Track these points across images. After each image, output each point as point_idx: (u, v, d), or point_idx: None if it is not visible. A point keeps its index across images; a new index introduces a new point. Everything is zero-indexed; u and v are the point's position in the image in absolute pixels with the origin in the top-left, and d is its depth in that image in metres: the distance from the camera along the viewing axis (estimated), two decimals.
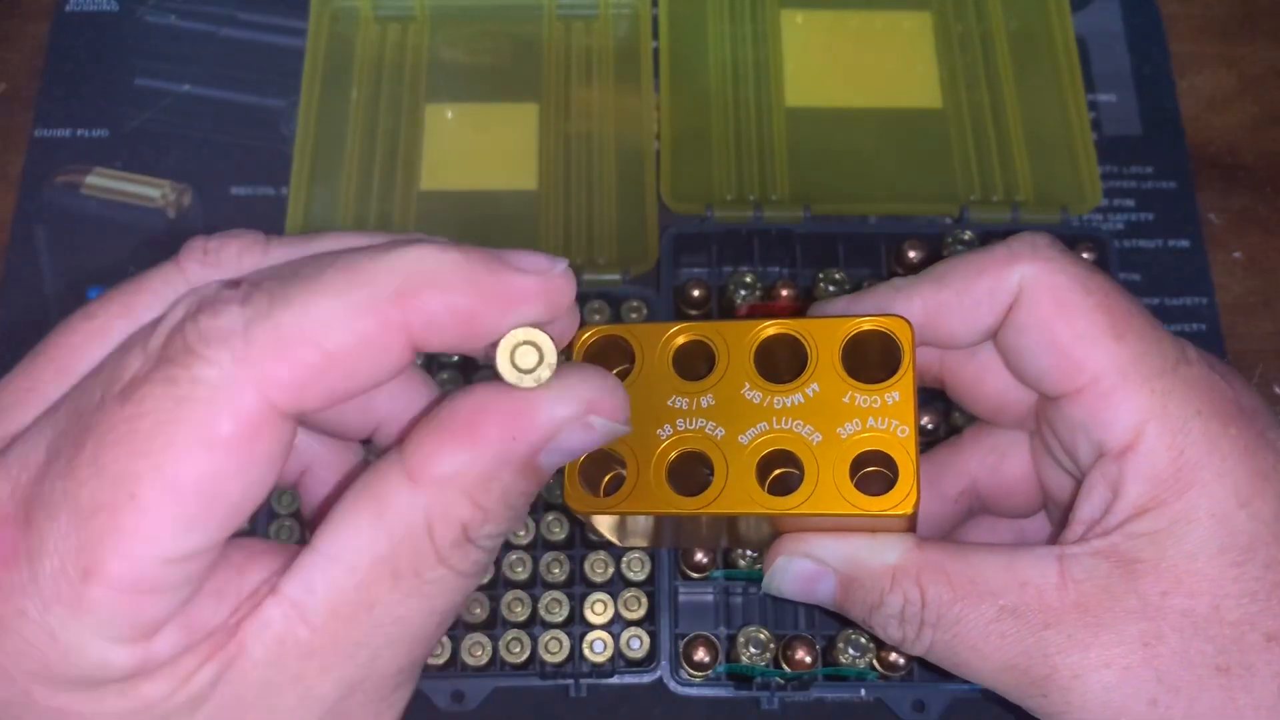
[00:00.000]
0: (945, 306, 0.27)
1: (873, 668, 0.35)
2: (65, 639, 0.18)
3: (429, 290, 0.19)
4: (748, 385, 0.25)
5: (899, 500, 0.24)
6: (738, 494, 0.24)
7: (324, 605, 0.20)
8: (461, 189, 0.44)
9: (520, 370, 0.20)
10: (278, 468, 0.19)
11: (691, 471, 0.25)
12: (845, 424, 0.24)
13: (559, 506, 0.38)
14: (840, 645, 0.35)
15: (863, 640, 0.35)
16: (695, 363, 0.26)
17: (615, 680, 0.36)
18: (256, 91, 0.45)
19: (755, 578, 0.36)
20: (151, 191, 0.43)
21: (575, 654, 0.36)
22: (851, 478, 0.24)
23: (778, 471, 0.25)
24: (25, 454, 0.19)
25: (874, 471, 0.24)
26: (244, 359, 0.18)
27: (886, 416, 0.24)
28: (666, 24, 0.46)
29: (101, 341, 0.20)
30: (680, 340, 0.26)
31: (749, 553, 0.36)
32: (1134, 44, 0.47)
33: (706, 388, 0.25)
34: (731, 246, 0.42)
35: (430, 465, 0.20)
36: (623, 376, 0.26)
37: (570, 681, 0.36)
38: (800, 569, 0.26)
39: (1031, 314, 0.26)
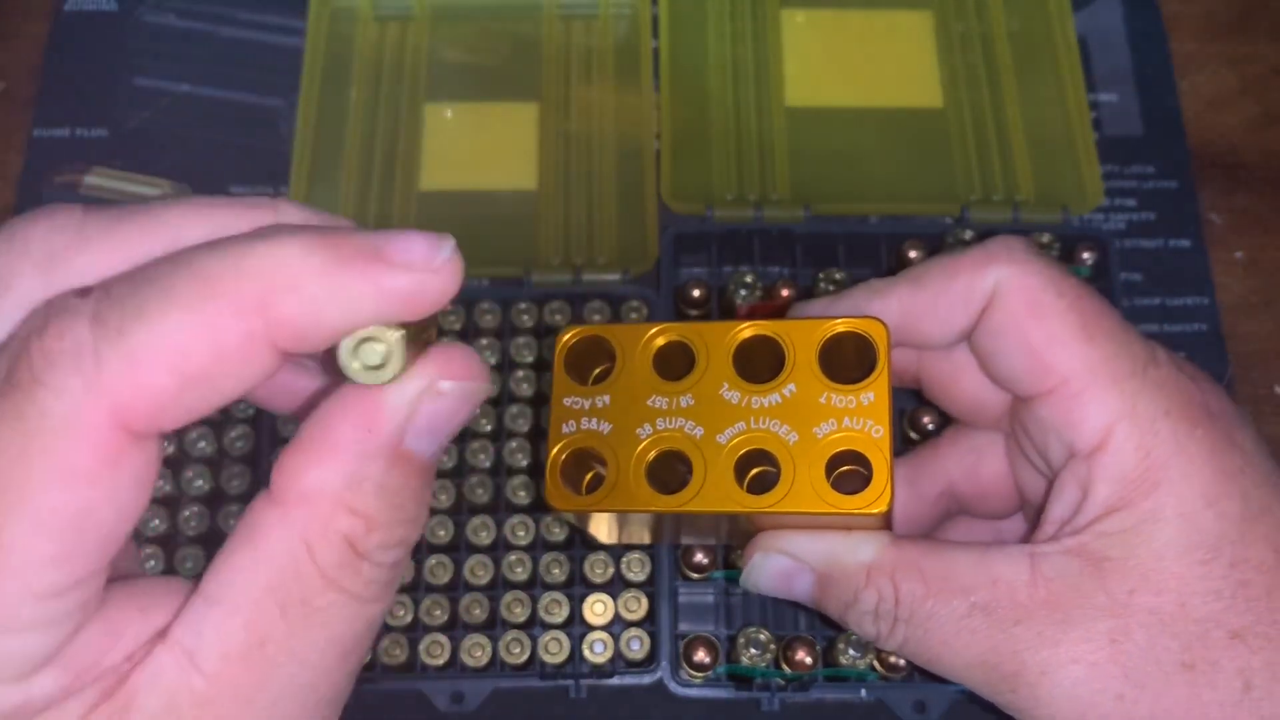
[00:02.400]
0: (921, 308, 0.28)
1: (873, 669, 0.35)
2: None
3: (291, 297, 0.17)
4: (726, 385, 0.25)
5: (873, 499, 0.24)
6: (716, 492, 0.25)
7: (213, 650, 0.18)
8: (461, 189, 0.44)
9: (368, 368, 0.19)
10: (147, 486, 0.18)
11: (671, 470, 0.26)
12: (821, 424, 0.25)
13: None
14: (840, 646, 0.35)
15: (863, 641, 0.35)
16: (675, 363, 0.26)
17: (615, 681, 0.36)
18: (256, 91, 0.45)
19: None
20: (150, 191, 0.43)
21: (575, 655, 0.36)
22: (827, 477, 0.24)
23: (756, 470, 0.26)
24: None
25: (850, 470, 0.25)
26: (95, 384, 0.17)
27: (862, 417, 0.25)
28: (666, 24, 0.46)
29: None
30: (660, 341, 0.26)
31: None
32: (1135, 43, 0.47)
33: (686, 388, 0.26)
34: (732, 246, 0.42)
35: (293, 484, 0.19)
36: (604, 376, 0.26)
37: (570, 682, 0.36)
38: (777, 565, 0.27)
39: (1005, 316, 0.26)
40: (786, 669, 0.35)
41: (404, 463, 0.19)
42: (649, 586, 0.37)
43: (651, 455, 0.25)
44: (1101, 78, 0.47)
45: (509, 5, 0.47)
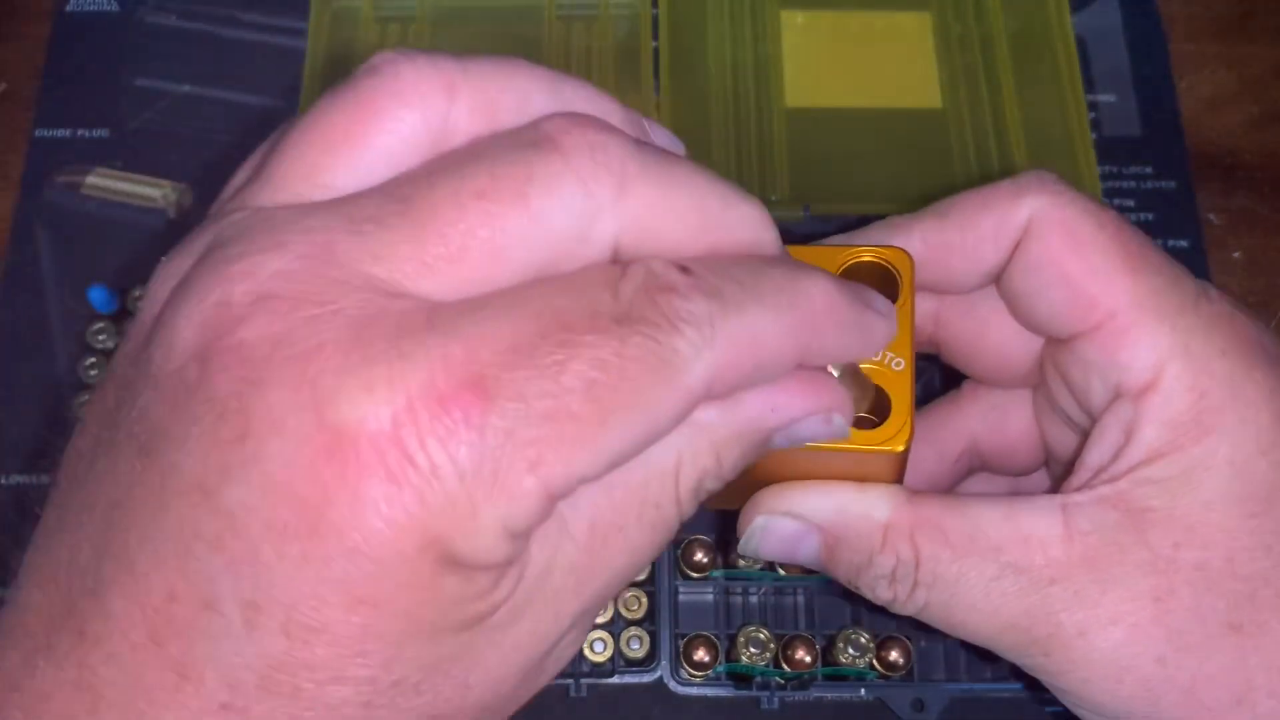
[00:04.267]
0: (948, 244, 0.26)
1: (872, 667, 0.35)
2: (480, 517, 0.17)
3: (829, 325, 0.20)
4: None
5: (890, 435, 0.22)
6: None
7: (584, 520, 0.19)
8: None
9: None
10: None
11: None
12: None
13: None
14: (840, 645, 0.35)
15: (863, 640, 0.35)
16: None
17: (615, 680, 0.36)
18: (257, 92, 0.45)
19: (755, 577, 0.36)
20: (152, 191, 0.43)
21: (575, 654, 0.36)
22: None
23: None
24: (488, 330, 0.17)
25: (863, 418, 0.23)
26: (709, 345, 0.18)
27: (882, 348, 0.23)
28: (666, 24, 0.46)
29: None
30: None
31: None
32: (1134, 44, 0.47)
33: None
34: None
35: (712, 404, 0.20)
36: None
37: (570, 681, 0.36)
38: (781, 529, 0.25)
39: (1042, 249, 0.24)
40: (786, 668, 0.35)
41: (764, 447, 0.21)
42: (649, 586, 0.37)
43: None
44: (1100, 78, 0.47)
45: (509, 6, 0.47)
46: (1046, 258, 0.24)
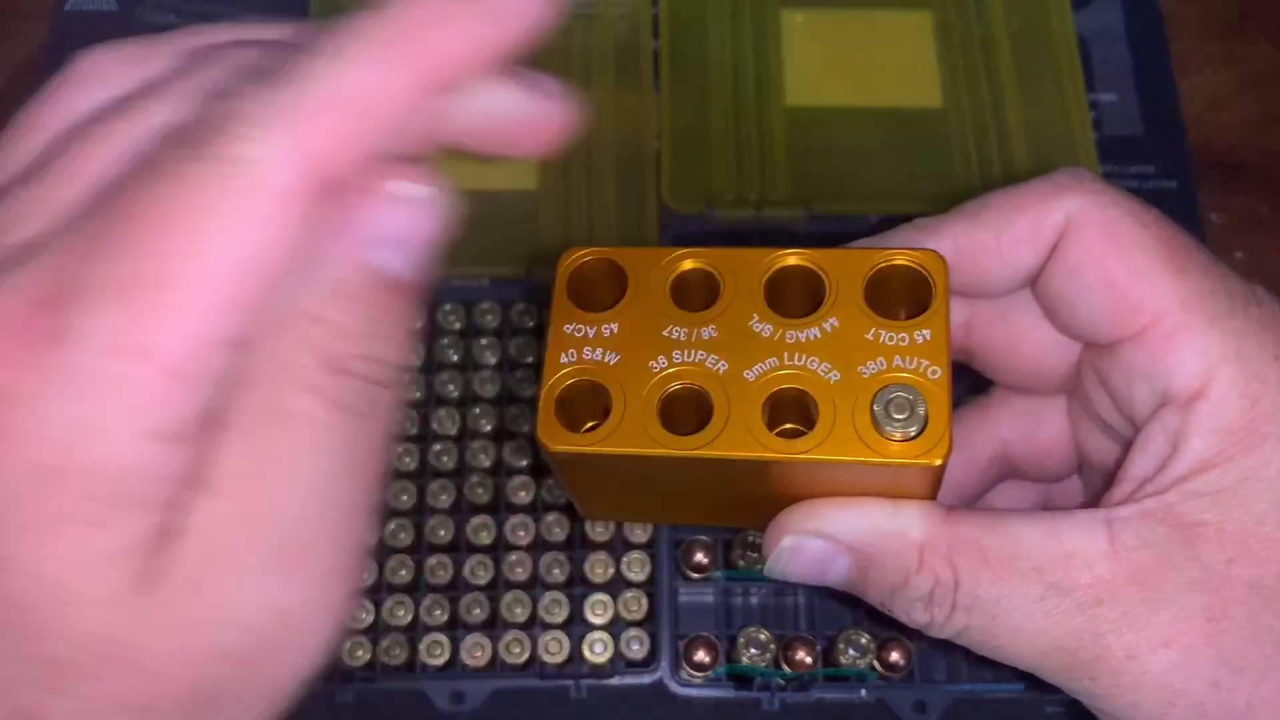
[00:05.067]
0: (981, 246, 0.24)
1: (873, 668, 0.35)
2: (104, 430, 0.16)
3: (436, 27, 0.18)
4: (756, 317, 0.22)
5: (928, 448, 0.21)
6: (740, 434, 0.21)
7: (226, 472, 0.17)
8: (461, 189, 0.44)
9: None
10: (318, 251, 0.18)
11: (688, 414, 0.23)
12: (868, 362, 0.21)
13: (560, 506, 0.38)
14: (841, 646, 0.35)
15: (863, 641, 0.35)
16: (696, 295, 0.23)
17: (615, 681, 0.36)
18: None
19: (755, 578, 0.36)
20: None
21: (575, 655, 0.36)
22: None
23: (786, 425, 0.23)
24: (53, 250, 0.16)
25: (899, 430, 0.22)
26: (272, 128, 0.16)
27: (915, 356, 0.21)
28: (666, 24, 0.46)
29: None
30: (682, 267, 0.23)
31: (750, 553, 0.36)
32: (1135, 43, 0.47)
33: (709, 319, 0.22)
34: (732, 246, 0.42)
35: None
36: (612, 305, 0.23)
37: (570, 682, 0.36)
38: (810, 550, 0.23)
39: (1082, 251, 0.23)
40: (786, 669, 0.35)
41: (371, 275, 0.18)
42: (649, 586, 0.37)
43: (665, 391, 0.22)
44: (1101, 78, 0.47)
45: None
46: (1087, 260, 0.23)
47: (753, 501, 0.24)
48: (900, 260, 0.22)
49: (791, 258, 0.23)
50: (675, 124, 0.45)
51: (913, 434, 0.21)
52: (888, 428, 0.21)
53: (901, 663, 0.35)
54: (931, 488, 0.22)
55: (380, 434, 0.19)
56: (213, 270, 0.16)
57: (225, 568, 0.17)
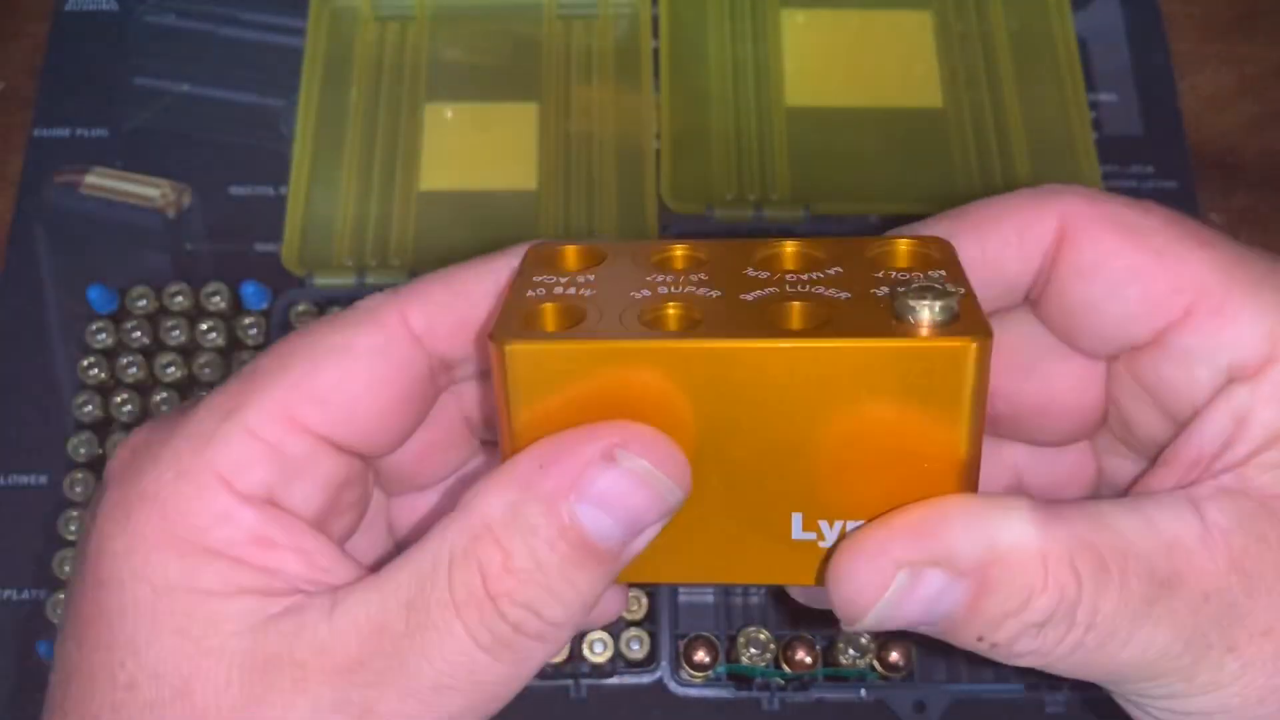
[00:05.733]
0: (963, 250, 0.22)
1: (873, 668, 0.35)
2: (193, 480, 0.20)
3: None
4: (751, 268, 0.20)
5: (968, 328, 0.18)
6: (738, 329, 0.18)
7: (345, 609, 0.19)
8: (461, 189, 0.44)
9: None
10: (408, 393, 0.22)
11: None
12: (878, 288, 0.19)
13: None
14: (840, 645, 0.35)
15: (863, 640, 0.35)
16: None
17: (615, 681, 0.36)
18: (256, 91, 0.45)
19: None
20: (150, 191, 0.43)
21: (575, 655, 0.36)
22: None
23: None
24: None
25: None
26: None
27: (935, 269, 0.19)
28: (666, 24, 0.46)
29: None
30: (667, 251, 0.21)
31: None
32: (1135, 43, 0.47)
33: (698, 269, 0.20)
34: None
35: (470, 494, 0.19)
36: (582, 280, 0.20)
37: (570, 682, 0.36)
38: (931, 583, 0.19)
39: (1093, 248, 0.21)
40: (786, 669, 0.35)
41: (568, 529, 0.18)
42: (649, 587, 0.37)
43: (652, 309, 0.19)
44: (1101, 78, 0.47)
45: (509, 5, 0.47)
46: (1103, 256, 0.21)
47: (753, 491, 0.20)
48: (905, 246, 0.20)
49: (788, 245, 0.21)
50: (675, 124, 0.45)
51: (942, 319, 0.18)
52: (915, 309, 0.18)
53: (901, 663, 0.35)
54: (972, 446, 0.19)
55: (513, 683, 0.19)
56: (303, 380, 0.22)
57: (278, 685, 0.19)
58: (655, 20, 0.47)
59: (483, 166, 0.44)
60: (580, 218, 0.43)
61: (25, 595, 0.37)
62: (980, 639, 0.19)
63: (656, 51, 0.46)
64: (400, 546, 0.25)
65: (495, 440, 0.25)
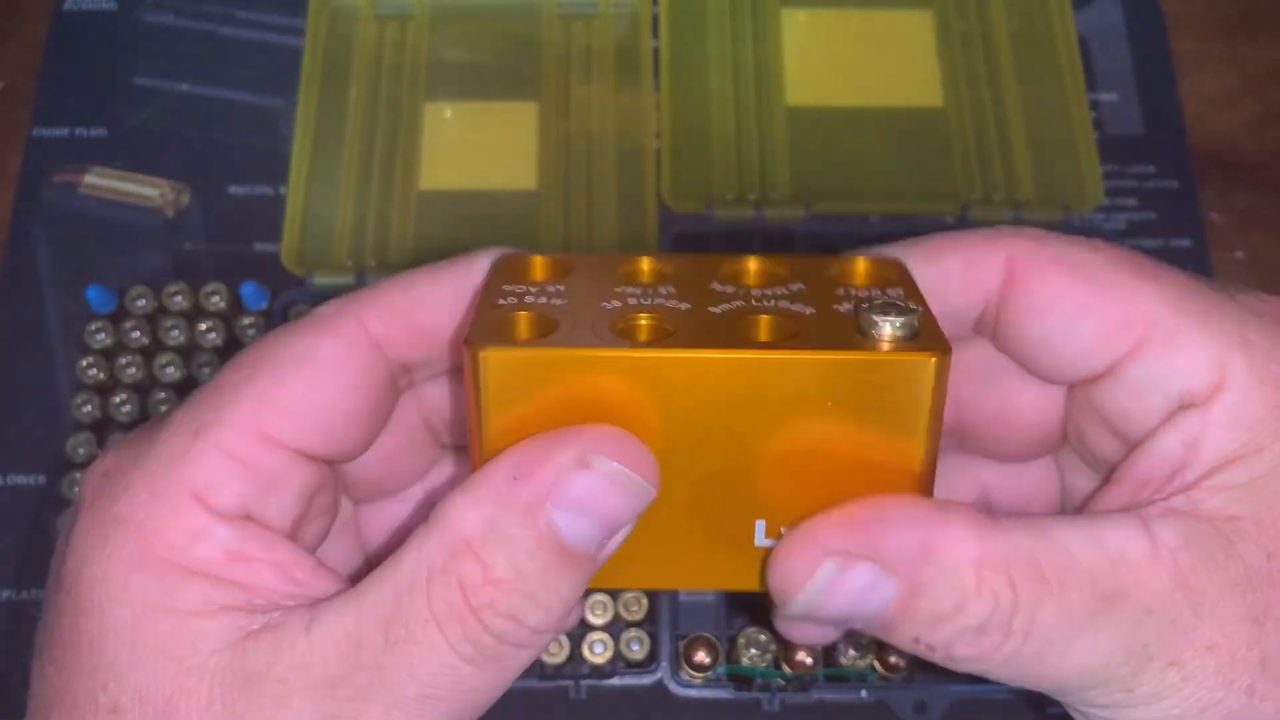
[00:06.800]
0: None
1: (873, 669, 0.35)
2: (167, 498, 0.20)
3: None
4: (716, 283, 0.21)
5: (926, 344, 0.19)
6: (705, 339, 0.19)
7: (323, 625, 0.19)
8: (461, 189, 0.44)
9: None
10: (371, 399, 0.22)
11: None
12: (843, 303, 0.20)
13: None
14: (841, 646, 0.35)
15: (863, 641, 0.35)
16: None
17: (615, 682, 0.36)
18: (255, 91, 0.45)
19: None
20: (149, 191, 0.43)
21: (575, 655, 0.36)
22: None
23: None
24: None
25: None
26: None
27: (891, 288, 0.21)
28: (666, 23, 0.46)
29: None
30: (633, 264, 0.22)
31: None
32: (1136, 43, 0.47)
33: (665, 283, 0.21)
34: (732, 246, 0.42)
35: (443, 509, 0.19)
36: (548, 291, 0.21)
37: (570, 683, 0.36)
38: (858, 577, 0.19)
39: (1043, 287, 0.22)
40: (787, 669, 0.35)
41: (546, 536, 0.19)
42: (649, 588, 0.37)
43: (624, 320, 0.20)
44: (1102, 77, 0.47)
45: (509, 5, 0.47)
46: (1054, 294, 0.22)
47: (718, 499, 0.20)
48: (863, 267, 0.22)
49: (751, 261, 0.22)
50: (675, 123, 0.45)
51: (903, 335, 0.19)
52: (879, 325, 0.19)
53: (901, 663, 0.35)
54: (926, 460, 0.20)
55: (496, 689, 0.20)
56: (271, 390, 0.22)
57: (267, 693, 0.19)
58: (655, 19, 0.47)
59: (482, 166, 0.44)
60: (580, 217, 0.43)
61: (24, 596, 0.37)
62: (916, 640, 0.20)
63: (656, 51, 0.46)
64: (370, 555, 0.26)
65: (457, 444, 0.26)
